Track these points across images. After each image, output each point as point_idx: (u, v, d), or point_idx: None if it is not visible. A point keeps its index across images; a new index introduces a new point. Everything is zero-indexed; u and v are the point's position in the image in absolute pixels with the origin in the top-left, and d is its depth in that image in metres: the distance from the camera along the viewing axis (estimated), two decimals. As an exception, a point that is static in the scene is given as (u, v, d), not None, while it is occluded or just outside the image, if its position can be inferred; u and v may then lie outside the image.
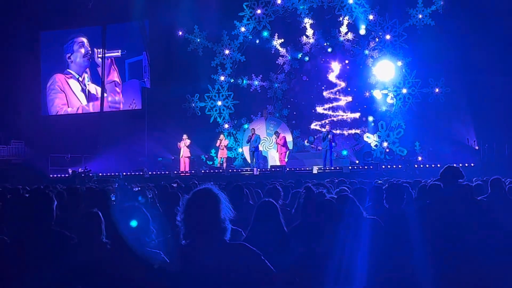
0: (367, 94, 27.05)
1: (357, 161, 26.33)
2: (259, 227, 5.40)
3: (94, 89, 33.53)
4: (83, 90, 33.86)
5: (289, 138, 26.89)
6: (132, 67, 32.58)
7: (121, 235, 4.18)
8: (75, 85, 33.96)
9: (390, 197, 7.11)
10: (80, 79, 33.82)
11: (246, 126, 28.76)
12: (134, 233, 4.18)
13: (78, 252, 4.76)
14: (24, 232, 5.44)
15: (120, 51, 32.59)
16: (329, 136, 23.76)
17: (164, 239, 5.17)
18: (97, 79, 33.11)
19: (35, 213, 5.61)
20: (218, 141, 26.53)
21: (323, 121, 27.65)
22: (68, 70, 34.16)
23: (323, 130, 24.72)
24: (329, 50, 27.78)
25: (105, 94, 32.02)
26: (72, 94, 33.98)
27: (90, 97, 33.67)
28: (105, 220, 5.00)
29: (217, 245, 3.70)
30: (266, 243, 5.03)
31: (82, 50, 33.58)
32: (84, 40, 33.70)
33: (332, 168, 23.20)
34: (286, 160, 25.53)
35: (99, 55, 32.98)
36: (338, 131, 27.16)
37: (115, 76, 32.86)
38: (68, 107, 34.06)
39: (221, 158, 26.61)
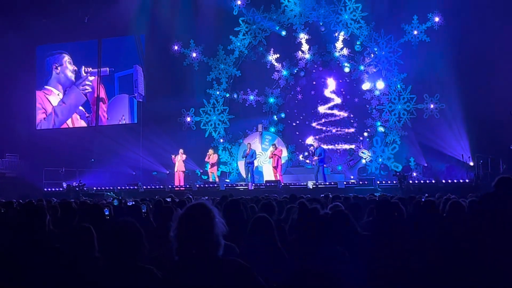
0: (361, 96, 27.14)
1: (351, 177, 26.27)
2: (253, 242, 5.38)
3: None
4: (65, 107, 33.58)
5: (284, 153, 26.83)
6: (122, 81, 32.48)
7: (113, 250, 4.15)
8: (55, 101, 33.65)
9: (381, 213, 7.08)
10: (61, 96, 33.55)
11: (241, 140, 28.73)
12: (128, 249, 4.15)
13: (70, 267, 4.73)
14: (16, 246, 5.40)
15: (108, 68, 32.45)
16: (317, 152, 23.87)
17: (157, 254, 5.14)
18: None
19: (28, 227, 5.58)
20: (207, 155, 26.52)
21: (318, 136, 27.68)
22: (46, 86, 33.72)
23: (313, 146, 24.80)
24: (324, 65, 27.84)
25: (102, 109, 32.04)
26: (53, 111, 33.71)
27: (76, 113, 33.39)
28: (97, 235, 4.97)
29: (210, 260, 3.68)
30: (260, 258, 5.00)
31: (70, 67, 33.34)
32: (70, 57, 33.46)
33: (326, 183, 23.18)
34: (279, 174, 25.37)
35: (85, 72, 32.87)
36: (332, 146, 27.26)
37: (102, 93, 32.67)
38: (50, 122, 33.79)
39: (211, 173, 26.62)
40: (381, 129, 26.52)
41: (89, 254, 4.83)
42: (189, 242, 3.69)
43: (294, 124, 28.82)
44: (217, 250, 3.72)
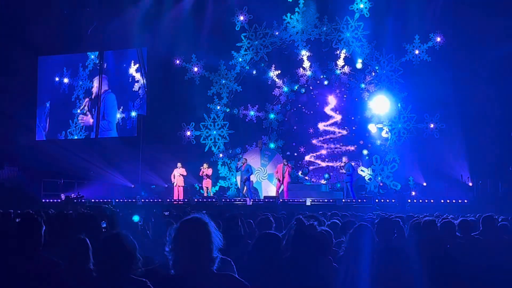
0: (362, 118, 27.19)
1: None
2: (256, 258, 5.30)
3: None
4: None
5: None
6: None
7: (106, 262, 4.12)
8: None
9: (381, 232, 7.05)
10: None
11: (240, 156, 28.67)
12: (121, 261, 4.13)
13: (65, 279, 4.70)
14: (12, 257, 5.38)
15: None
16: (346, 167, 24.02)
17: (152, 268, 5.10)
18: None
19: (24, 238, 5.55)
20: (201, 170, 26.41)
21: (317, 153, 27.74)
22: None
23: (343, 162, 24.67)
24: (326, 82, 27.89)
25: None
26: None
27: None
28: (93, 247, 4.94)
29: (205, 275, 3.64)
30: (262, 275, 4.94)
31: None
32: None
33: (354, 200, 23.15)
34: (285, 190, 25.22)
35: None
36: (332, 164, 27.28)
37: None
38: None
39: (206, 187, 26.53)
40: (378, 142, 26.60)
41: (83, 266, 4.79)
42: (185, 256, 3.65)
43: (293, 140, 28.79)
44: (212, 264, 3.69)
